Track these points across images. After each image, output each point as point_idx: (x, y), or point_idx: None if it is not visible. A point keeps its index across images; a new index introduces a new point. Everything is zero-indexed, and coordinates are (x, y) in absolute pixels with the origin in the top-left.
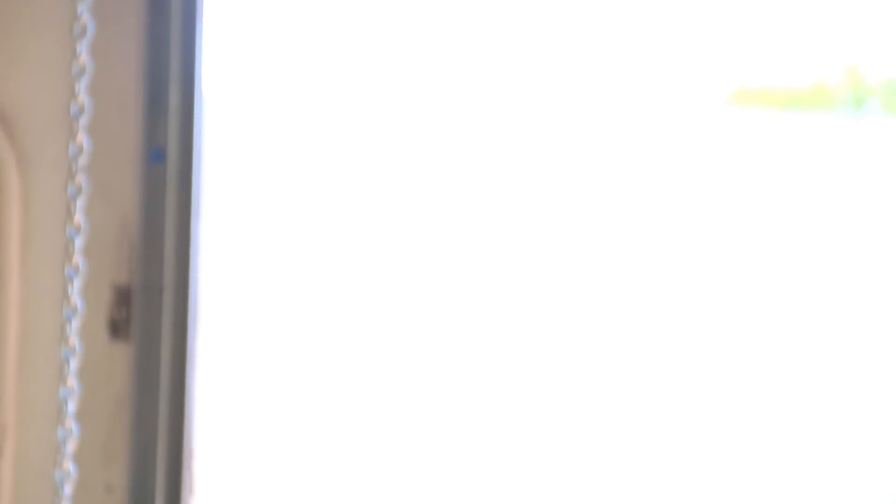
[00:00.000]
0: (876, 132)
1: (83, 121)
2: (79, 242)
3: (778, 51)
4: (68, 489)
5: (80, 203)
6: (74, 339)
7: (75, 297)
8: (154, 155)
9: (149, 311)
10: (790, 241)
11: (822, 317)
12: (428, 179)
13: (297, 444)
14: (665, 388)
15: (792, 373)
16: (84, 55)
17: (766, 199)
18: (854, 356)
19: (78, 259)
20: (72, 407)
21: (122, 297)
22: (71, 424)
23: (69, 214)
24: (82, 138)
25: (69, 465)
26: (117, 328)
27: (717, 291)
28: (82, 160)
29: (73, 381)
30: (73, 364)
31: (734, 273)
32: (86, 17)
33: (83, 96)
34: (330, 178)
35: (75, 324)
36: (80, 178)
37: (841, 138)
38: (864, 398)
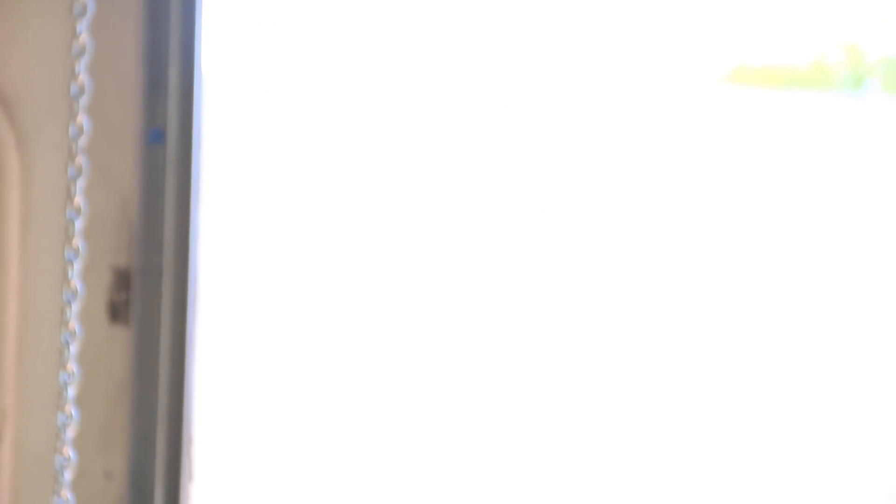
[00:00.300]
0: (875, 110)
1: (83, 101)
2: (79, 224)
3: (777, 30)
4: (68, 475)
5: (81, 185)
6: (74, 323)
7: (75, 281)
8: (153, 136)
9: (148, 294)
10: (790, 218)
11: (821, 294)
12: (420, 154)
13: (295, 430)
14: (660, 380)
15: (787, 352)
16: (84, 35)
17: (766, 177)
18: (855, 334)
19: (78, 241)
20: (72, 392)
21: (122, 280)
22: (71, 410)
23: (69, 196)
24: (82, 119)
25: (69, 452)
26: (117, 311)
27: (717, 267)
28: (82, 141)
29: (73, 366)
30: (74, 348)
31: (735, 249)
32: None
33: (83, 76)
34: (329, 161)
35: (75, 307)
36: (81, 160)
37: (840, 117)
38: (862, 387)
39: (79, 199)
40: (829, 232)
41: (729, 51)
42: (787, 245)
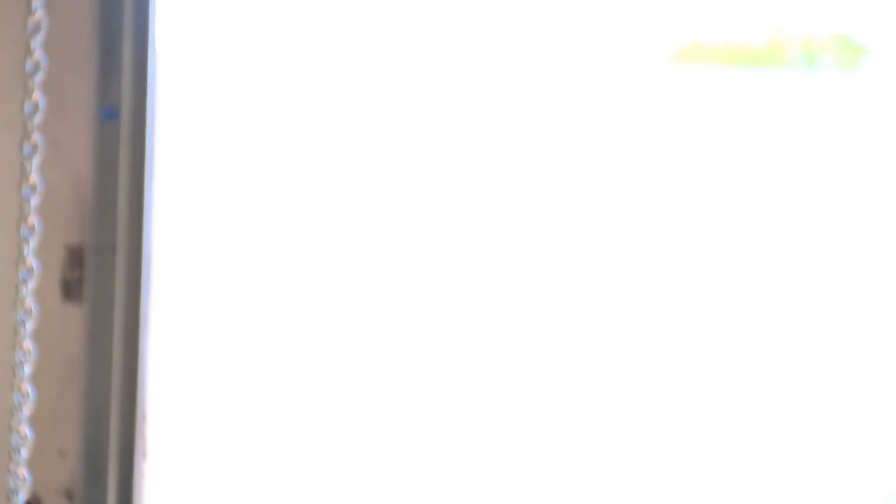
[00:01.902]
0: (829, 88)
1: (38, 78)
2: (34, 202)
3: (730, 7)
4: (24, 454)
5: (36, 162)
6: (30, 301)
7: (31, 259)
8: (107, 113)
9: (101, 272)
10: (746, 198)
11: (783, 278)
12: (383, 144)
13: (250, 409)
14: (657, 378)
15: (762, 331)
16: (39, 11)
17: (721, 157)
18: (820, 320)
19: (33, 219)
20: (27, 370)
21: (75, 258)
22: (27, 388)
23: (24, 174)
24: (38, 96)
25: (25, 430)
26: (70, 289)
27: (672, 251)
28: (38, 118)
29: (28, 344)
30: (29, 326)
31: (689, 238)
32: None
33: (38, 53)
34: (286, 139)
35: (31, 285)
36: (36, 137)
37: (793, 95)
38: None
39: (34, 177)
40: (787, 210)
41: (681, 28)
42: (745, 226)
